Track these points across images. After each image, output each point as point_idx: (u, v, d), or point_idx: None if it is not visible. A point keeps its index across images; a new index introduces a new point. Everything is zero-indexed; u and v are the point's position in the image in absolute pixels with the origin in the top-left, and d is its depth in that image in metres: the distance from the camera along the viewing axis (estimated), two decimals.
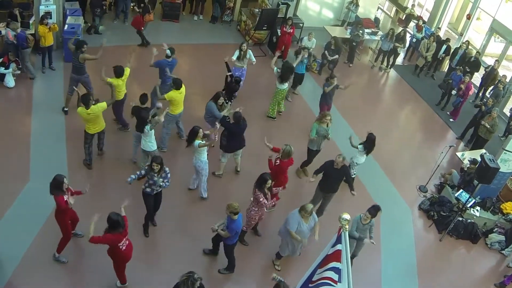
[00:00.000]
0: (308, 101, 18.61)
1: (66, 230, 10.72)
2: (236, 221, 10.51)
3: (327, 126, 14.13)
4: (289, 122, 17.26)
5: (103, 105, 12.74)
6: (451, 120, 19.74)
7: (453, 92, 19.81)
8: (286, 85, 16.53)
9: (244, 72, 17.04)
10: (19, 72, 16.23)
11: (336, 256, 8.96)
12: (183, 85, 14.04)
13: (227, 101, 14.69)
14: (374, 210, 11.49)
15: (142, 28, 19.42)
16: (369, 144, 14.26)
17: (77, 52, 14.44)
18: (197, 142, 12.27)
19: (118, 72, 13.92)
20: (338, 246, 8.89)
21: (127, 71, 14.20)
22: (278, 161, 12.46)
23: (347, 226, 8.59)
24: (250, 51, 16.93)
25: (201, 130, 12.45)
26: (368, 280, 12.47)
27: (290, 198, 13.81)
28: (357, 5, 23.49)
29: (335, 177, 12.67)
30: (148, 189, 11.28)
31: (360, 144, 14.40)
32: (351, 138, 14.59)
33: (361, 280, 11.55)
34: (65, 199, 10.18)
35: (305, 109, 18.25)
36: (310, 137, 14.19)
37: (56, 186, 10.09)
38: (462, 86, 18.97)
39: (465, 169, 15.86)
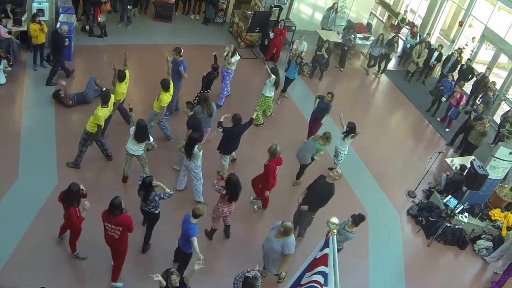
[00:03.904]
0: (298, 105, 18.62)
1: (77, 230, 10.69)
2: (189, 224, 10.11)
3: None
4: (279, 127, 17.29)
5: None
6: (446, 130, 19.78)
7: (443, 99, 19.88)
8: (273, 93, 16.58)
9: (231, 74, 17.06)
10: (10, 69, 16.16)
11: (323, 260, 8.98)
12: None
13: (206, 91, 15.31)
14: (359, 219, 11.07)
15: (99, 19, 19.30)
16: (351, 130, 14.48)
17: None
18: (196, 148, 12.25)
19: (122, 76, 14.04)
20: (326, 250, 8.91)
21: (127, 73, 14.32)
22: (266, 161, 12.62)
23: (335, 230, 8.60)
24: (236, 55, 16.81)
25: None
26: (355, 285, 12.46)
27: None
28: (336, 11, 23.20)
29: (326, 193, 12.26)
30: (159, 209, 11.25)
31: (343, 132, 14.66)
32: (341, 118, 14.97)
33: (348, 285, 11.52)
34: (77, 213, 10.15)
35: (296, 113, 18.27)
36: (315, 158, 14.22)
37: (70, 196, 10.09)
38: (457, 95, 19.02)
39: (448, 174, 16.02)
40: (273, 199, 13.71)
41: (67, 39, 16.40)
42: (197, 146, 12.25)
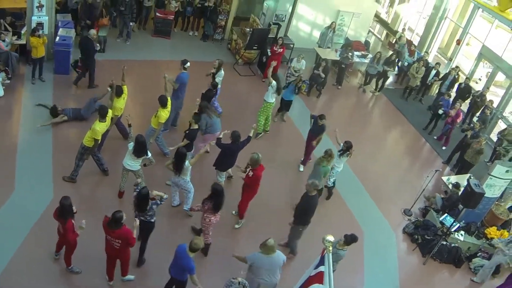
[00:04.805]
0: (296, 123, 18.55)
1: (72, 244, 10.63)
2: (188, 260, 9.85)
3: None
4: (277, 144, 17.40)
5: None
6: (443, 148, 19.80)
7: (440, 111, 19.88)
8: (274, 99, 16.62)
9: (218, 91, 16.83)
10: (8, 81, 16.22)
11: (318, 278, 8.97)
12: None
13: None
14: (350, 239, 11.00)
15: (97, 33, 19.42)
16: (348, 150, 14.39)
17: None
18: (187, 162, 12.26)
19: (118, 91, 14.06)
20: (321, 268, 8.91)
21: (125, 89, 14.33)
22: (251, 172, 12.57)
23: (330, 248, 8.61)
24: (221, 71, 16.74)
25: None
26: None
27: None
28: (333, 31, 23.12)
29: (310, 206, 12.29)
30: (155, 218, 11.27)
31: (340, 151, 14.54)
32: (336, 135, 14.89)
33: None
34: (73, 227, 10.17)
35: (294, 131, 18.26)
36: (321, 181, 13.93)
37: (64, 211, 10.07)
38: (452, 112, 19.08)
39: (443, 196, 16.01)
40: (270, 218, 13.82)
41: (98, 44, 17.21)
42: (188, 160, 12.28)
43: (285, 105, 18.02)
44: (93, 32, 16.81)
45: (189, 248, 9.64)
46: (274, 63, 17.13)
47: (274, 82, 16.14)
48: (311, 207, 12.18)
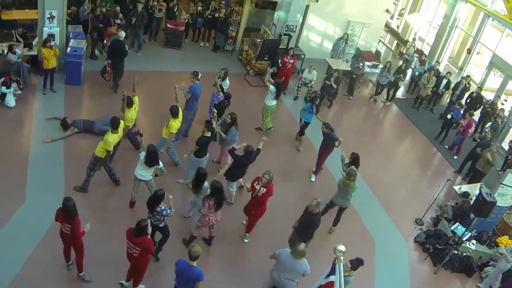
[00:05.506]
0: (307, 133, 18.26)
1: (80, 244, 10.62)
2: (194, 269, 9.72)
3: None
4: (288, 154, 17.46)
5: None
6: (455, 157, 19.74)
7: (449, 115, 19.86)
8: (275, 102, 17.06)
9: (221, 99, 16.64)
10: (20, 92, 16.33)
11: (329, 287, 8.97)
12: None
13: (218, 119, 15.08)
14: (357, 263, 10.65)
15: (105, 41, 19.81)
16: (356, 163, 14.24)
17: None
18: (206, 183, 12.23)
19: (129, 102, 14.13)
20: (332, 278, 8.91)
21: (135, 99, 14.42)
22: (264, 189, 12.40)
23: (342, 258, 8.60)
24: (226, 80, 16.97)
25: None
26: None
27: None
28: (346, 42, 23.20)
29: (312, 224, 12.12)
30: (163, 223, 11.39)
31: (346, 164, 14.35)
32: (342, 160, 14.61)
33: None
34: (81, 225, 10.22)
35: (306, 142, 18.15)
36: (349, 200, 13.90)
37: (71, 211, 10.06)
38: (463, 122, 19.03)
39: (454, 204, 15.92)
40: (280, 228, 13.71)
41: (127, 46, 17.47)
42: (206, 182, 12.24)
43: (304, 128, 17.79)
44: (122, 34, 17.28)
45: (190, 257, 9.54)
46: (270, 70, 18.03)
47: (272, 87, 16.63)
48: (315, 225, 12.08)
